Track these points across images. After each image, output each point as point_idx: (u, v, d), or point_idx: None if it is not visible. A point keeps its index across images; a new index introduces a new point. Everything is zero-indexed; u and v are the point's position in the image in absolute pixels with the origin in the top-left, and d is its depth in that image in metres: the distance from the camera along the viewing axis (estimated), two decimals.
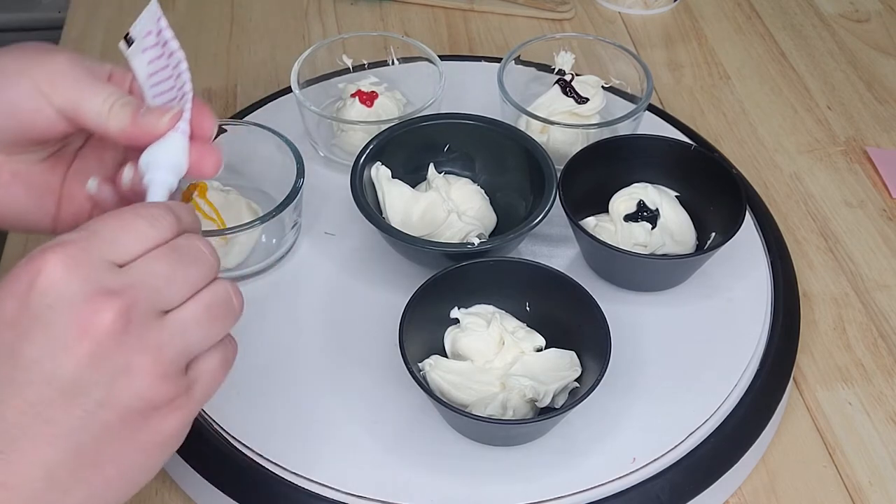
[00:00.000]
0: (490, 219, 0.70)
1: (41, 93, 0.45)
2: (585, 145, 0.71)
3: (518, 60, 0.79)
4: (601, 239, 0.65)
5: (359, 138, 0.73)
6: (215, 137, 0.47)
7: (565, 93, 0.76)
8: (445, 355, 0.61)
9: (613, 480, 0.57)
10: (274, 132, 0.70)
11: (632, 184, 0.69)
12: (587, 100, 0.75)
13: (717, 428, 0.60)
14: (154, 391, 0.38)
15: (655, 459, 0.58)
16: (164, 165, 0.45)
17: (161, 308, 0.39)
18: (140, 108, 0.45)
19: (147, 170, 0.45)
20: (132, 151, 0.46)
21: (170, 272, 0.39)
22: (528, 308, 0.63)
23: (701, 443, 0.59)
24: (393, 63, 0.81)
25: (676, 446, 0.58)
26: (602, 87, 0.77)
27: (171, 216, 0.41)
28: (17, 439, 0.36)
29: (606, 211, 0.69)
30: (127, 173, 0.46)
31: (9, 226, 0.50)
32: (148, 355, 0.38)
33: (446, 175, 0.71)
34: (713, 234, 0.68)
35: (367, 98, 0.76)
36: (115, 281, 0.38)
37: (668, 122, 0.82)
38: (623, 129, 0.74)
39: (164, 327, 0.39)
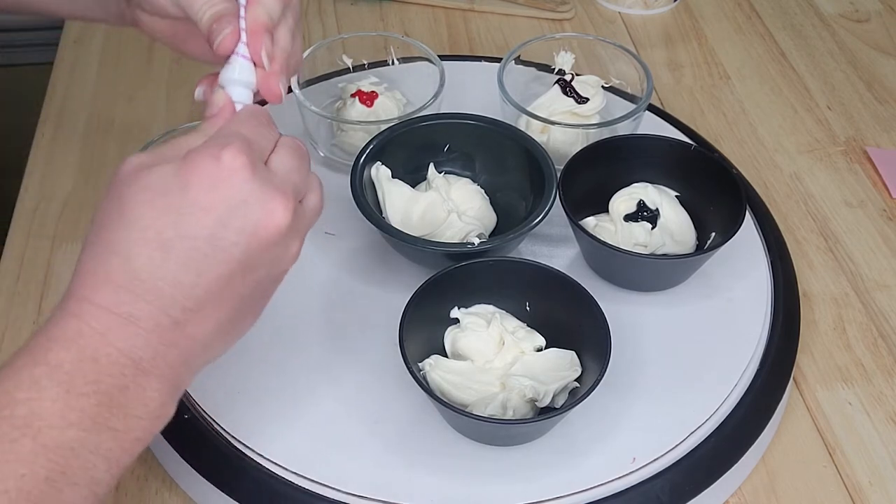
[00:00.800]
0: (490, 219, 0.70)
1: None
2: (585, 145, 0.71)
3: (518, 60, 0.79)
4: (601, 239, 0.65)
5: (359, 138, 0.73)
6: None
7: (565, 93, 0.76)
8: (445, 355, 0.61)
9: (613, 480, 0.57)
10: None
11: (632, 184, 0.69)
12: (587, 100, 0.75)
13: (717, 428, 0.60)
14: (293, 264, 0.48)
15: (655, 459, 0.58)
16: (235, 82, 0.51)
17: (300, 198, 0.48)
18: (224, 15, 0.52)
19: (225, 86, 0.52)
20: None
21: (298, 167, 0.48)
22: (528, 308, 0.63)
23: (701, 443, 0.59)
24: (393, 63, 0.81)
25: (676, 446, 0.58)
26: (602, 87, 0.77)
27: (269, 118, 0.50)
28: (205, 302, 0.44)
29: (606, 211, 0.69)
30: (198, 92, 0.54)
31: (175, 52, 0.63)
32: (299, 239, 0.48)
33: (446, 175, 0.71)
34: (713, 234, 0.68)
35: (367, 98, 0.76)
36: (278, 181, 0.46)
37: (668, 122, 0.82)
38: (623, 129, 0.74)
39: (305, 214, 0.48)
